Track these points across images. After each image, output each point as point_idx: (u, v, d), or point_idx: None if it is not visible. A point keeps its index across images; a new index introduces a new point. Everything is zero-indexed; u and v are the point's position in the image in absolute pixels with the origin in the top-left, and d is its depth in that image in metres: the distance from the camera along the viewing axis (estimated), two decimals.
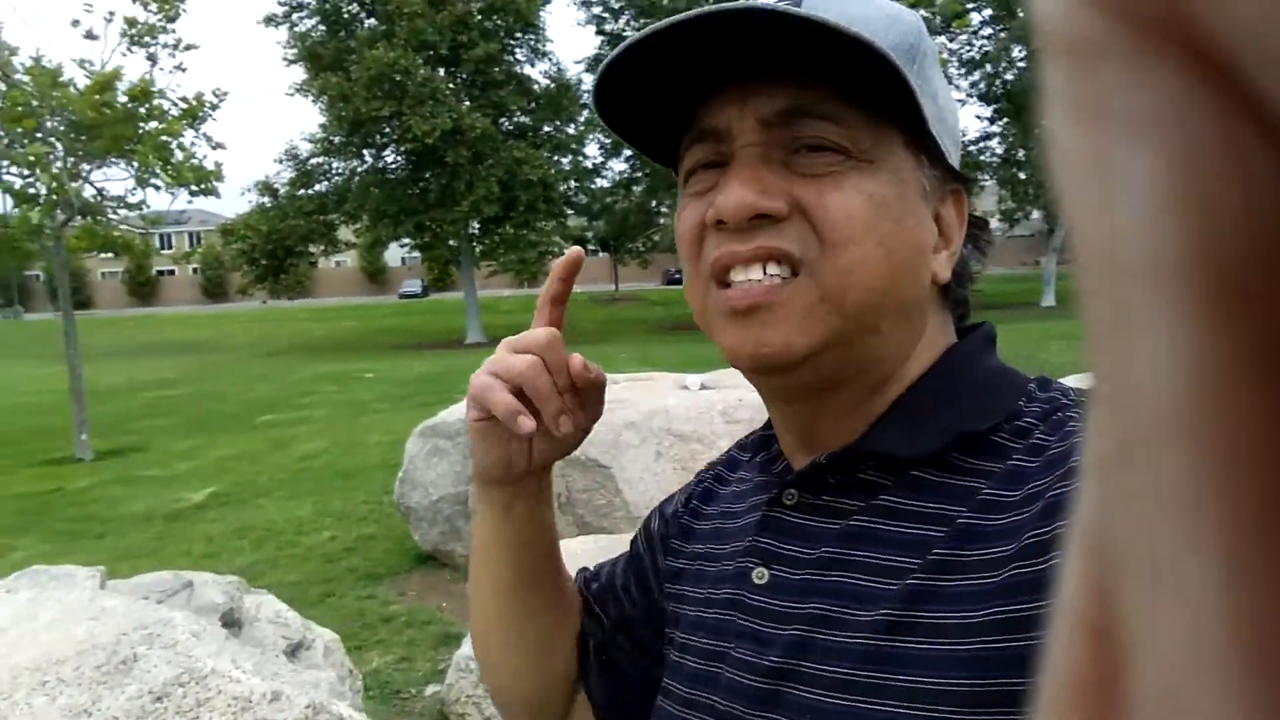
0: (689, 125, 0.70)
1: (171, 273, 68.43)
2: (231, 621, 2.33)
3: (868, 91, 0.64)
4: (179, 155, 10.93)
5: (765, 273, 0.64)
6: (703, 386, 6.36)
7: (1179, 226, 0.09)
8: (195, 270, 66.73)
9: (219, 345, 29.06)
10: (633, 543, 0.93)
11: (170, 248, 66.61)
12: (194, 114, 10.85)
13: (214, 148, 11.60)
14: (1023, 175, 29.32)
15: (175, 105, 10.82)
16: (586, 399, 0.80)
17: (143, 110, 10.42)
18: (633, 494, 5.44)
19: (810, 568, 0.67)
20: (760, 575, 0.71)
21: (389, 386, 15.93)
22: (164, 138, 10.66)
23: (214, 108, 11.15)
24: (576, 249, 0.82)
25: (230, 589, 2.45)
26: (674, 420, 5.66)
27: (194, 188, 10.97)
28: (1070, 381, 0.72)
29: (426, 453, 5.96)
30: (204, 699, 1.87)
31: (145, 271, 65.24)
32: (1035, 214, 33.17)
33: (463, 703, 3.58)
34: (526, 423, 0.73)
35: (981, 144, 30.16)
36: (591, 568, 0.96)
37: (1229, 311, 0.09)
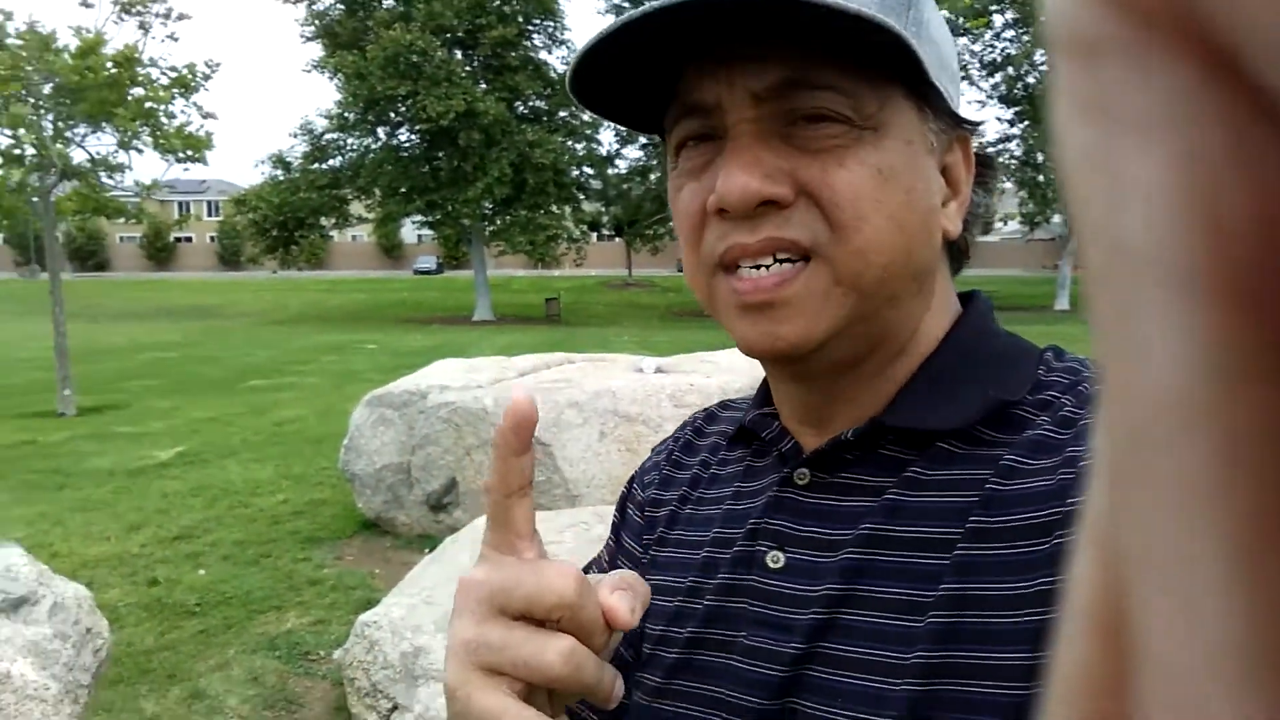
0: (672, 96, 0.64)
1: (189, 239, 68.90)
2: None
3: (864, 53, 0.59)
4: (168, 124, 11.00)
5: (775, 259, 0.60)
6: (658, 370, 6.34)
7: (1186, 224, 0.09)
8: (213, 238, 67.16)
9: (228, 311, 29.28)
10: (606, 547, 0.84)
11: (189, 215, 67.28)
12: (184, 83, 10.92)
13: (205, 117, 11.68)
14: (1042, 178, 29.07)
15: (165, 74, 10.90)
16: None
17: (128, 77, 10.48)
18: (573, 472, 5.44)
19: (849, 547, 0.62)
20: (775, 559, 0.66)
21: (386, 358, 16.00)
22: (150, 104, 10.73)
23: (206, 78, 11.21)
24: (521, 398, 0.52)
25: None
26: (620, 401, 5.64)
27: (183, 155, 11.04)
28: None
29: (372, 421, 5.98)
30: None
31: (163, 237, 65.65)
32: (1056, 218, 32.91)
33: (354, 667, 3.59)
34: None
35: (1001, 146, 29.91)
36: None
37: (1236, 308, 0.09)
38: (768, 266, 0.60)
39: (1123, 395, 0.10)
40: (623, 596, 0.52)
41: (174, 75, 10.95)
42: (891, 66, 0.59)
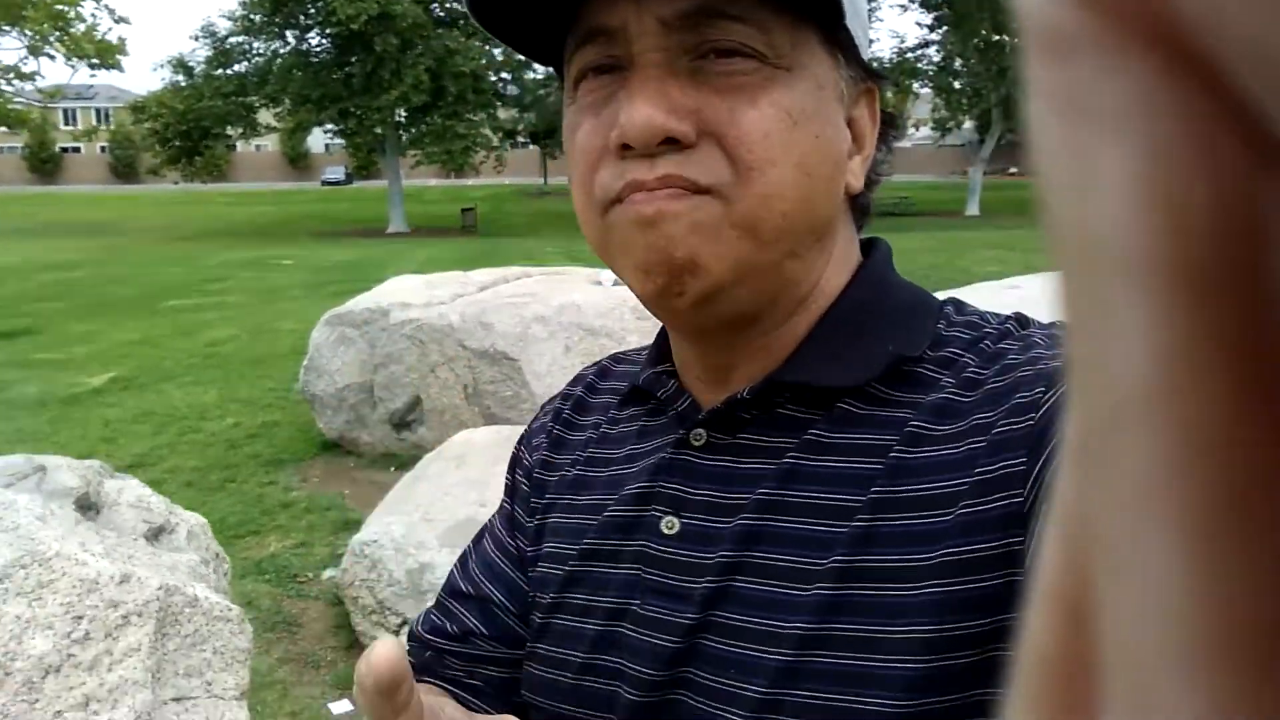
0: (572, 21, 0.60)
1: (77, 150, 64.96)
2: (88, 505, 2.26)
3: None
4: (80, 28, 10.26)
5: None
6: (615, 283, 6.32)
7: (1150, 216, 0.09)
8: (103, 149, 63.46)
9: (126, 228, 27.90)
10: (502, 509, 0.81)
11: (75, 124, 63.23)
12: None
13: (116, 21, 10.94)
14: (957, 84, 29.39)
15: None
16: None
17: None
18: (540, 386, 5.43)
19: (744, 512, 0.61)
20: (670, 525, 0.64)
21: (306, 274, 15.55)
22: (60, 6, 9.98)
23: None
24: (380, 656, 0.50)
25: (89, 473, 2.37)
26: (584, 315, 5.63)
27: (94, 61, 10.33)
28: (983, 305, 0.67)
29: (333, 340, 5.85)
30: (47, 580, 1.81)
31: (47, 148, 61.77)
32: (967, 124, 33.40)
33: (356, 586, 3.59)
34: None
35: (920, 51, 30.05)
36: (451, 627, 0.77)
37: (1197, 300, 0.09)
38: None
39: (1088, 384, 0.10)
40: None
41: None
42: (808, 5, 0.57)
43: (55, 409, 7.14)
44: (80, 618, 1.78)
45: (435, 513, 3.73)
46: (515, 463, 0.81)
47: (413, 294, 5.95)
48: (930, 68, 29.81)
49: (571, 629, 0.67)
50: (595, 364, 0.82)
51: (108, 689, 1.73)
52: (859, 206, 0.67)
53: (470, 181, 52.29)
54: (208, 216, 32.15)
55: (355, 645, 3.64)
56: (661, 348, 0.71)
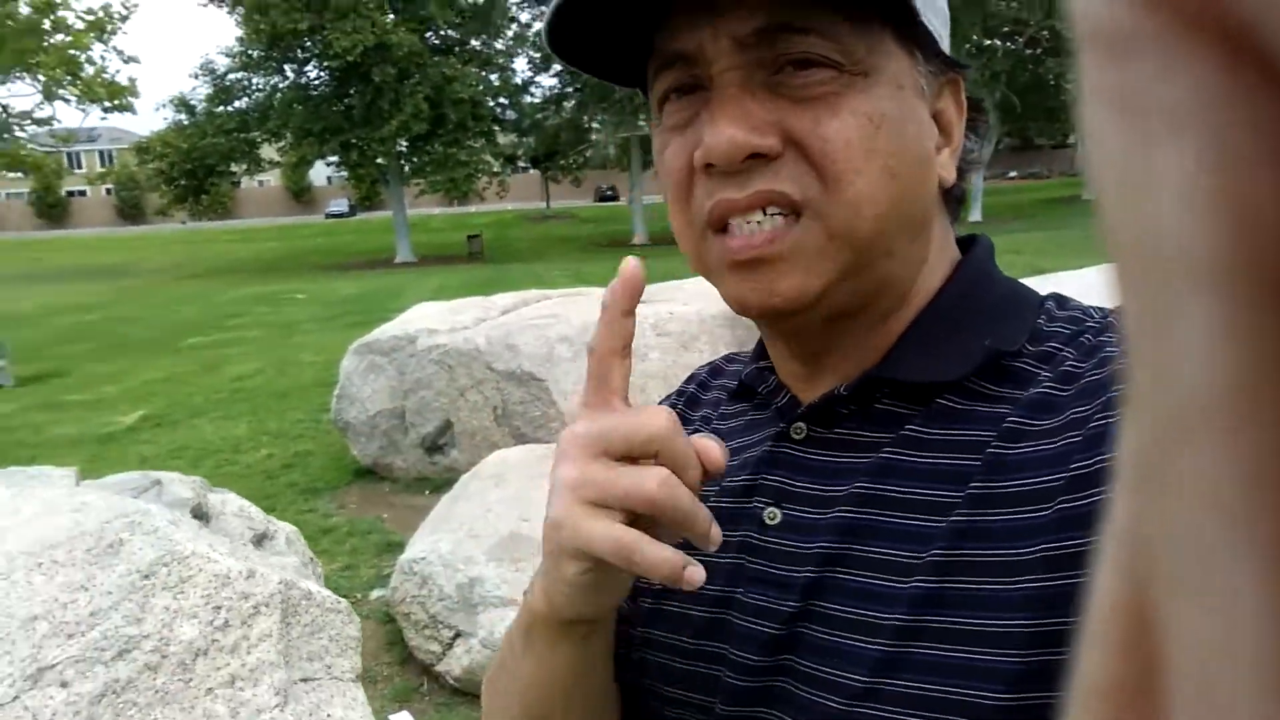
0: (651, 48, 0.62)
1: (83, 193, 65.60)
2: (200, 514, 2.48)
3: None
4: (89, 70, 10.49)
5: (765, 214, 0.58)
6: None
7: (1215, 221, 0.09)
8: (109, 191, 64.07)
9: (137, 269, 28.22)
10: None
11: (81, 167, 63.80)
12: (101, 26, 10.40)
13: (126, 62, 11.18)
14: None
15: (81, 18, 10.35)
16: None
17: (47, 23, 9.95)
18: (568, 405, 5.60)
19: (841, 505, 0.61)
20: (772, 515, 0.65)
21: (319, 307, 15.76)
22: (72, 51, 10.22)
23: (124, 19, 10.69)
24: (632, 261, 0.58)
25: (196, 486, 2.57)
26: None
27: (107, 103, 10.56)
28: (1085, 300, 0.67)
29: (363, 369, 6.03)
30: (187, 576, 2.03)
31: (54, 192, 62.37)
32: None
33: (408, 603, 3.74)
34: (698, 574, 0.54)
35: None
36: None
37: (1267, 305, 0.09)
38: (759, 222, 0.58)
39: (1152, 395, 0.09)
40: (710, 444, 0.57)
41: (90, 19, 10.41)
42: (879, 7, 0.58)
43: (92, 447, 7.33)
44: (219, 608, 2.00)
45: (480, 529, 3.88)
46: None
47: (438, 320, 6.13)
48: None
49: (681, 614, 0.68)
50: (709, 363, 0.85)
51: (249, 669, 1.94)
52: (952, 197, 0.67)
53: (473, 208, 52.65)
54: (215, 254, 32.46)
55: (409, 660, 3.79)
56: (763, 344, 0.73)
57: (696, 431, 0.74)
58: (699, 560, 0.60)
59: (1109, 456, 0.50)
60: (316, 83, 25.93)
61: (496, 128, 28.81)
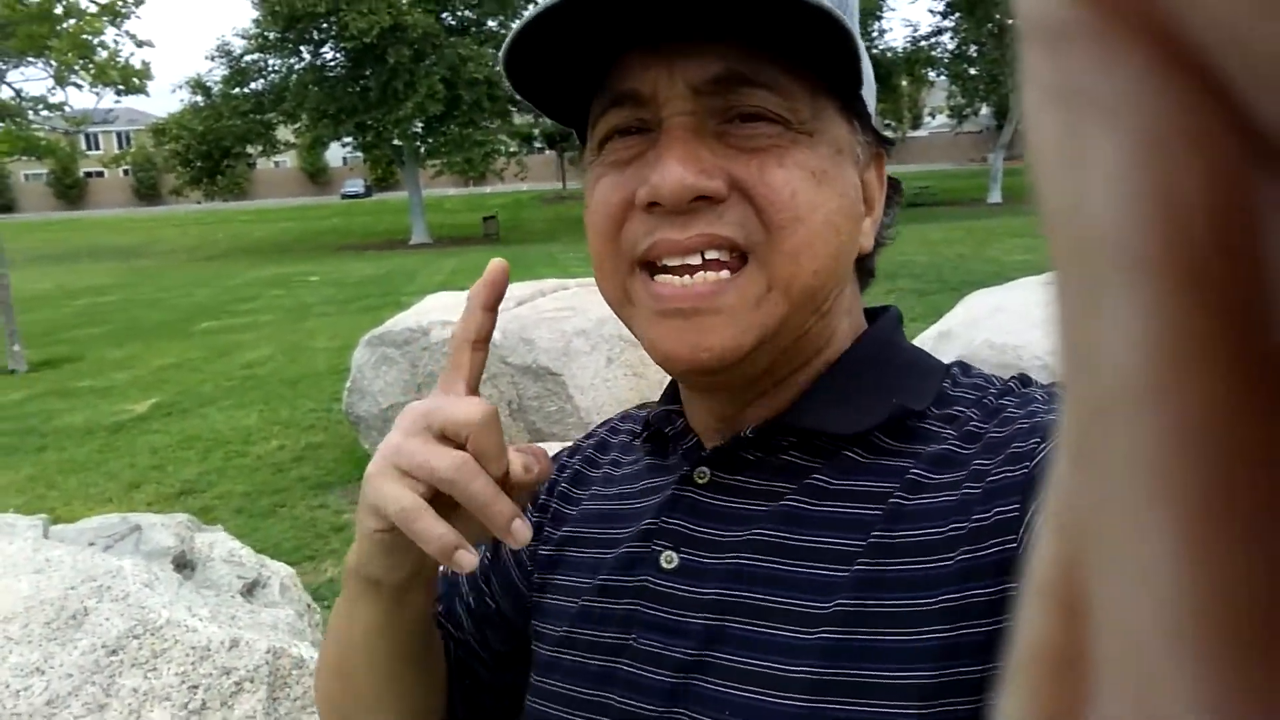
0: (599, 85, 0.62)
1: (100, 174, 65.65)
2: (184, 564, 2.27)
3: (807, 55, 0.59)
4: (102, 54, 10.36)
5: (704, 257, 0.58)
6: None
7: (1142, 210, 0.09)
8: (126, 172, 64.10)
9: (153, 250, 28.23)
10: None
11: (98, 149, 63.92)
12: (113, 10, 10.24)
13: (139, 45, 11.04)
14: (973, 71, 29.16)
15: (93, 1, 10.21)
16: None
17: (59, 8, 9.81)
18: (584, 400, 5.44)
19: (732, 550, 0.62)
20: (669, 559, 0.65)
21: (333, 290, 15.65)
22: (84, 35, 10.08)
23: (137, 3, 10.53)
24: (497, 262, 0.63)
25: (180, 530, 2.38)
26: (623, 327, 5.61)
27: (120, 87, 10.44)
28: (987, 367, 0.70)
29: (375, 361, 5.88)
30: (160, 650, 1.81)
31: (72, 174, 62.46)
32: (984, 110, 33.13)
33: None
34: (468, 558, 0.56)
35: (934, 39, 29.85)
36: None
37: (1190, 291, 0.09)
38: (693, 270, 0.59)
39: (1081, 375, 0.10)
40: (522, 456, 0.61)
41: (103, 3, 10.27)
42: (831, 77, 0.60)
43: (102, 437, 7.22)
44: (195, 687, 1.78)
45: None
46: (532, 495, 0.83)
47: (452, 311, 5.97)
48: (944, 55, 29.64)
49: (578, 665, 0.68)
50: (622, 411, 0.85)
51: None
52: (865, 269, 0.69)
53: (489, 189, 52.41)
54: (231, 235, 32.45)
55: None
56: (675, 387, 0.73)
57: (606, 475, 0.77)
58: (600, 608, 0.67)
59: (1006, 509, 0.53)
60: (332, 64, 25.80)
61: (512, 108, 28.58)
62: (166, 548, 2.24)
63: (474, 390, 0.62)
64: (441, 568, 0.69)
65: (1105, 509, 0.10)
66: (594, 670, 0.66)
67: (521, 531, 0.58)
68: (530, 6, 0.59)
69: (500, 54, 0.60)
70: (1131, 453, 0.09)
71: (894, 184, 0.70)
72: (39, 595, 1.85)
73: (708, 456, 0.66)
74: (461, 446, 0.59)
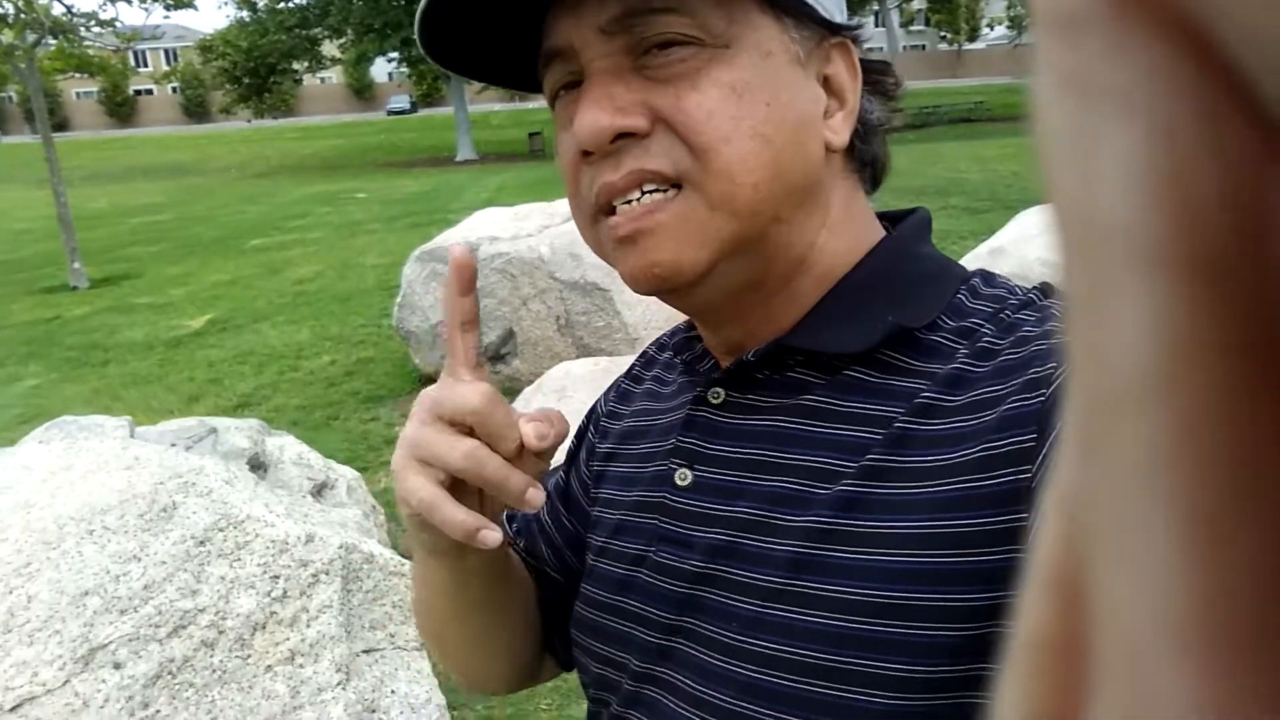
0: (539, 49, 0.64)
1: (150, 92, 66.05)
2: (258, 465, 2.35)
3: None
4: None
5: (643, 192, 0.60)
6: None
7: (1156, 200, 0.09)
8: (175, 89, 64.44)
9: (204, 167, 28.45)
10: (570, 449, 0.86)
11: (146, 66, 64.13)
12: None
13: None
14: None
15: None
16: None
17: None
18: (631, 316, 5.46)
19: (740, 469, 0.64)
20: (683, 476, 0.67)
21: (381, 207, 15.71)
22: None
23: None
24: (459, 250, 0.64)
25: (253, 433, 2.46)
26: None
27: (170, 2, 10.40)
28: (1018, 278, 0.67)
29: (424, 277, 5.93)
30: (243, 542, 1.91)
31: (122, 91, 62.91)
32: None
33: None
34: (491, 536, 0.60)
35: None
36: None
37: (1201, 283, 0.09)
38: (638, 200, 0.60)
39: (1088, 365, 0.10)
40: (534, 425, 0.61)
41: None
42: None
43: (161, 352, 7.42)
44: (277, 577, 1.88)
45: None
46: (591, 410, 0.87)
47: (500, 227, 5.98)
48: None
49: (609, 572, 0.72)
50: (675, 326, 0.86)
51: (309, 644, 1.83)
52: (862, 163, 0.67)
53: (532, 104, 51.86)
54: (279, 153, 32.56)
55: None
56: None
57: (647, 391, 0.80)
58: (633, 521, 0.71)
59: (1022, 438, 0.53)
60: None
61: None
62: (241, 449, 2.32)
63: (474, 368, 0.63)
64: None
65: (1110, 502, 0.10)
66: (619, 577, 0.70)
67: (536, 497, 0.61)
68: None
69: (415, 26, 0.63)
70: (1139, 447, 0.09)
71: (875, 67, 0.67)
72: (131, 490, 1.95)
73: (719, 377, 0.68)
74: (472, 431, 0.61)
